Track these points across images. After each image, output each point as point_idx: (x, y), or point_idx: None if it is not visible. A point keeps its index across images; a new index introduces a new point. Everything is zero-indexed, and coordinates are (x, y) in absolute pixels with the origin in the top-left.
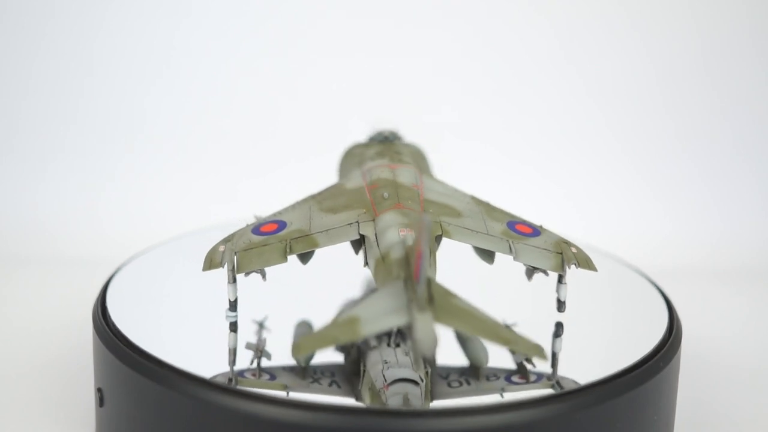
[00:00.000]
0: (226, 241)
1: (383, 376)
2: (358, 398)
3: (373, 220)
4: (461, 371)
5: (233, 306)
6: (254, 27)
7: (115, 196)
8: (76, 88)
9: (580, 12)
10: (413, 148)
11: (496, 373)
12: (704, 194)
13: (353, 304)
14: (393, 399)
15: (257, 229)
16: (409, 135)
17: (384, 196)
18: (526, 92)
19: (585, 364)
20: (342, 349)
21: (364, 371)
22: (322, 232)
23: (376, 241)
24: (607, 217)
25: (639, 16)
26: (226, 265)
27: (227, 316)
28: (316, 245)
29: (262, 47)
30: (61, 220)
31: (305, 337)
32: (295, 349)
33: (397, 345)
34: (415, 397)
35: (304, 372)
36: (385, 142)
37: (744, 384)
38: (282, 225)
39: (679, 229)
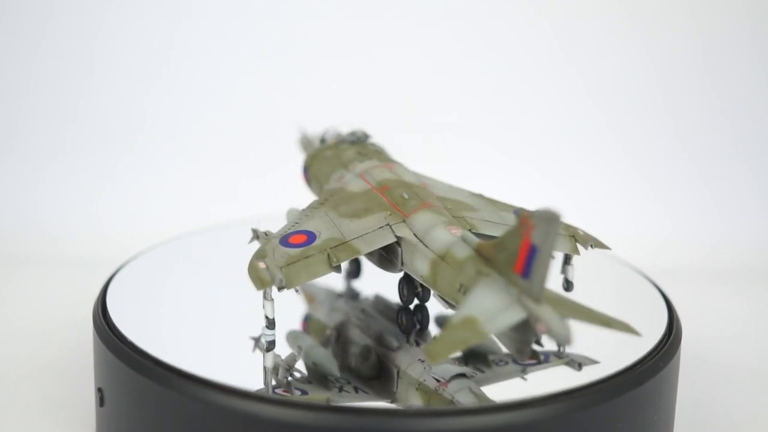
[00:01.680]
0: (261, 256)
1: (435, 375)
2: (393, 400)
3: (404, 221)
4: (464, 361)
5: (272, 324)
6: (254, 27)
7: (115, 196)
8: (76, 88)
9: (580, 12)
10: (381, 147)
11: (502, 358)
12: (704, 194)
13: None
14: (461, 395)
15: (286, 241)
16: (410, 135)
17: (404, 197)
18: (526, 92)
19: (585, 364)
20: (339, 351)
21: (398, 373)
22: (358, 238)
23: (421, 241)
24: (607, 217)
25: (639, 16)
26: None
27: (264, 335)
28: (358, 252)
29: (262, 47)
30: (61, 220)
31: (434, 344)
32: (433, 357)
33: (417, 343)
34: (478, 389)
35: (327, 382)
36: (358, 143)
37: (744, 384)
38: (311, 235)
39: (679, 229)
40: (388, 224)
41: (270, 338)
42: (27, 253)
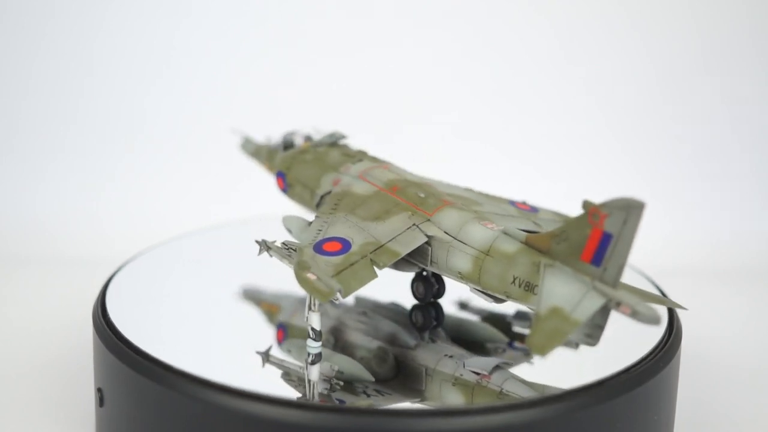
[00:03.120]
0: (305, 268)
1: (473, 368)
2: (422, 399)
3: (429, 220)
4: (462, 354)
5: (318, 336)
6: (254, 27)
7: (115, 196)
8: (76, 88)
9: (580, 12)
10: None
11: (499, 345)
12: (704, 194)
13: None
14: (508, 384)
15: (321, 249)
16: (410, 135)
17: (420, 196)
18: (526, 92)
19: (585, 364)
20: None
21: (426, 371)
22: (392, 240)
23: (455, 239)
24: None
25: (639, 16)
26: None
27: (310, 347)
28: (398, 255)
29: (262, 47)
30: (61, 220)
31: (534, 338)
32: (540, 351)
33: (432, 340)
34: (520, 378)
35: (352, 388)
36: (336, 145)
37: (744, 384)
38: (345, 241)
39: (679, 229)
40: (414, 224)
41: (316, 350)
42: (27, 253)
